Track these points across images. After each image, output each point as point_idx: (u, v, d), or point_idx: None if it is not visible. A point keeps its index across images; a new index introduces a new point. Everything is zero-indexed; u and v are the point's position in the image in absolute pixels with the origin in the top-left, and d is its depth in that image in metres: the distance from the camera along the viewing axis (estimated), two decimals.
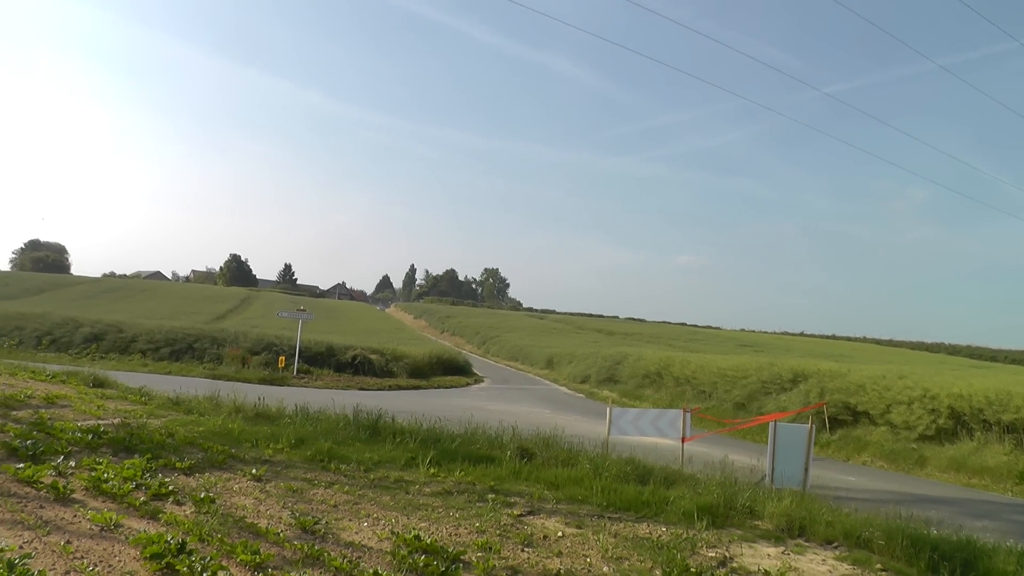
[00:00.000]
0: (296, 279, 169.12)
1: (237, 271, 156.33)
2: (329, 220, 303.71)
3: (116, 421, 11.34)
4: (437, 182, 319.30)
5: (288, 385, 27.41)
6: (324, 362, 33.18)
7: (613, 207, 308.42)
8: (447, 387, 33.71)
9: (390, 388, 30.58)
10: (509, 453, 11.64)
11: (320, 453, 10.41)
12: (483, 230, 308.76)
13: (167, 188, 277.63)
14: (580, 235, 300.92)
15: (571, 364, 43.71)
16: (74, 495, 7.22)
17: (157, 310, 58.26)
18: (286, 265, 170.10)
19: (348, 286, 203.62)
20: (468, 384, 36.00)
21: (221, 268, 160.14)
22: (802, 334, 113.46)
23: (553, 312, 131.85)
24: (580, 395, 34.98)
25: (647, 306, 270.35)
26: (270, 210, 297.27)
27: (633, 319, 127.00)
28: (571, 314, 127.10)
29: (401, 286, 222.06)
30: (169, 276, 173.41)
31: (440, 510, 8.29)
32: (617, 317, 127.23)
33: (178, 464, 8.90)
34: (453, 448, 11.56)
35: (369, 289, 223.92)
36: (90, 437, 9.44)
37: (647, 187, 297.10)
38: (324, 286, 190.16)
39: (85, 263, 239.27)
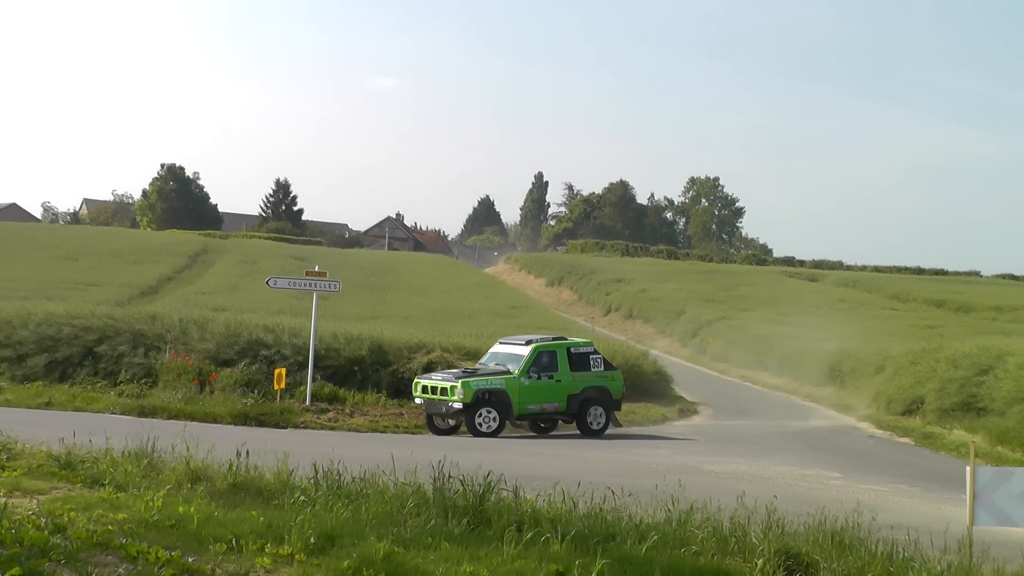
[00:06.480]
0: (301, 212, 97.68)
1: (180, 200, 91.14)
2: (362, 89, 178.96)
3: None
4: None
5: (296, 426, 17.94)
6: (367, 378, 20.97)
7: (945, 35, 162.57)
8: (622, 424, 21.10)
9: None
10: (761, 564, 7.13)
11: (369, 564, 6.27)
12: (689, 100, 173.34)
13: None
14: (887, 105, 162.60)
15: (879, 376, 26.50)
16: None
17: (18, 280, 35.76)
18: (279, 184, 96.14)
19: (410, 223, 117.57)
20: (665, 419, 22.92)
21: (146, 193, 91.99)
22: None
23: (839, 266, 78.76)
24: (902, 440, 21.77)
25: None
26: (237, 78, 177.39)
27: (1013, 277, 75.16)
28: (877, 268, 76.50)
29: (519, 220, 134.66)
30: (38, 215, 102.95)
31: None
32: (977, 274, 75.94)
33: None
34: (643, 554, 7.20)
35: (453, 228, 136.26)
36: None
37: None
38: (359, 225, 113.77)
39: None
